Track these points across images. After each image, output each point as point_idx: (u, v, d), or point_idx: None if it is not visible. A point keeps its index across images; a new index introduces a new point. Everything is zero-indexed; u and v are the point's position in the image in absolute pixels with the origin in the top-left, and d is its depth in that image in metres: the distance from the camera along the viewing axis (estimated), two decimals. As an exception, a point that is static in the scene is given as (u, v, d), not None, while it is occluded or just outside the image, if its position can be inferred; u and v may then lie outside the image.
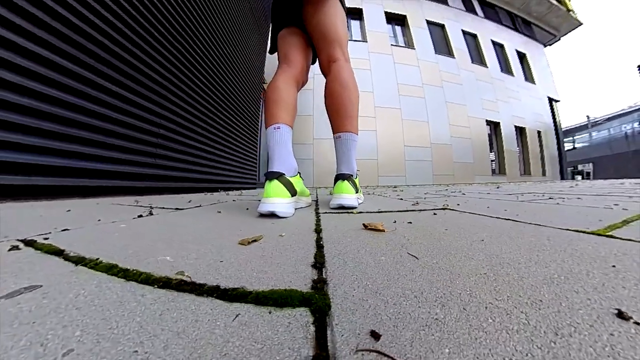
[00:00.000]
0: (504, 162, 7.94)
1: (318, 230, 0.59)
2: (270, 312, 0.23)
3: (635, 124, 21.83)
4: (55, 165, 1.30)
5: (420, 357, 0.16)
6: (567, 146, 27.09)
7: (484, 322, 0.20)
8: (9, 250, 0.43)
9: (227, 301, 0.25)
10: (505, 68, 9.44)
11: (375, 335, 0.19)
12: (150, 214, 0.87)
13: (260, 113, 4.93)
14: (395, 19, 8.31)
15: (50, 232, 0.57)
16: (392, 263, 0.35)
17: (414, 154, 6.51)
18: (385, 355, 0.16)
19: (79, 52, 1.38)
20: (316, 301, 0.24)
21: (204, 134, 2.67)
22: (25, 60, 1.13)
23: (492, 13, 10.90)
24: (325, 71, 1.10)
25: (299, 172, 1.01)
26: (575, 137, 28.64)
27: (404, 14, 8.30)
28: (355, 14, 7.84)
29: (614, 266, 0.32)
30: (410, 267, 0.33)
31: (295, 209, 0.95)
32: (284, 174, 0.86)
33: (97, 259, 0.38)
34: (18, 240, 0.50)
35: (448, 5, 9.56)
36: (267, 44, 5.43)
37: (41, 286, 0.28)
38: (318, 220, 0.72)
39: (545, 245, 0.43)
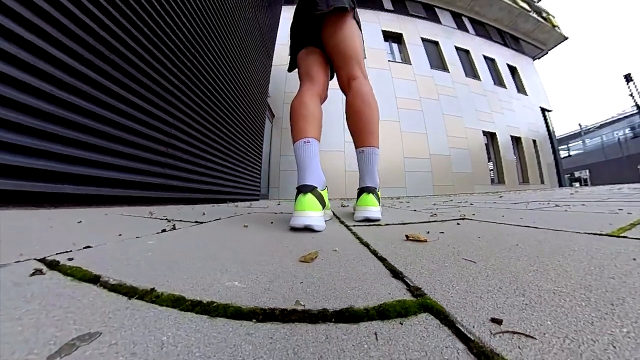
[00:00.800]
0: (502, 171, 8.07)
1: (364, 243, 0.59)
2: (401, 324, 0.24)
3: (627, 130, 22.30)
4: (57, 170, 1.24)
5: (535, 329, 0.21)
6: (563, 154, 27.42)
7: (560, 301, 0.26)
8: (32, 275, 0.35)
9: (352, 322, 0.24)
10: (498, 81, 9.77)
11: (496, 321, 0.22)
12: (174, 228, 0.83)
13: (264, 128, 5.07)
14: (392, 37, 8.71)
15: (70, 250, 0.50)
16: (457, 268, 0.38)
17: (414, 165, 6.61)
18: (519, 333, 0.21)
19: (98, 60, 1.42)
20: (432, 305, 0.26)
21: (212, 145, 2.75)
22: (42, 62, 1.15)
23: (482, 30, 11.41)
24: (345, 88, 1.14)
25: (326, 186, 1.04)
26: (569, 145, 29.09)
27: (400, 32, 8.72)
28: None
29: (634, 259, 0.39)
30: (475, 269, 0.38)
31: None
32: (316, 187, 0.88)
33: (152, 289, 0.31)
34: (37, 260, 0.43)
35: (441, 24, 10.04)
36: (271, 64, 5.69)
37: (100, 334, 0.22)
38: (354, 234, 0.74)
39: (571, 245, 0.49)
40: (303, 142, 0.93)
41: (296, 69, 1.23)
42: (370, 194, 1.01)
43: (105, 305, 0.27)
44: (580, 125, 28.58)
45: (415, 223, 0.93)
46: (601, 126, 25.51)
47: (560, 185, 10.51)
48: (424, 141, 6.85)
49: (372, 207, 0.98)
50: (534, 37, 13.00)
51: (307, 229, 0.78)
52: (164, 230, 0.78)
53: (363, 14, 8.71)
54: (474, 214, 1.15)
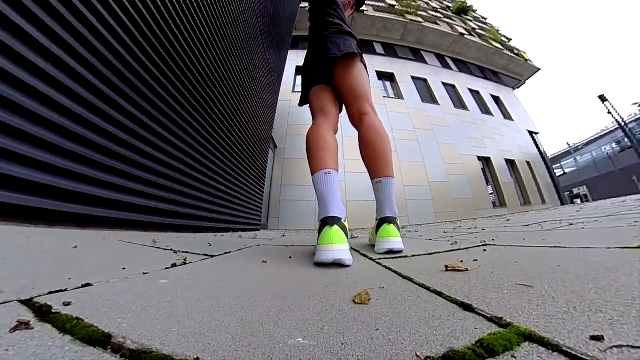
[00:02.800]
0: (502, 194, 8.01)
1: (406, 277, 0.55)
2: (514, 357, 0.22)
3: (613, 145, 22.63)
4: (51, 185, 1.08)
5: (637, 340, 0.21)
6: (557, 172, 27.38)
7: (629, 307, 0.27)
8: (12, 330, 0.25)
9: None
10: (485, 110, 10.25)
11: (597, 338, 0.22)
12: (185, 262, 0.75)
13: (267, 159, 5.18)
14: (385, 76, 9.42)
15: (66, 289, 0.39)
16: (519, 293, 0.37)
17: (415, 193, 6.56)
18: (628, 346, 0.21)
19: (115, 78, 1.42)
20: (530, 333, 0.25)
21: (219, 173, 2.74)
22: (57, 71, 1.11)
23: (465, 67, 12.35)
24: (356, 123, 1.18)
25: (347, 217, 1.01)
26: (562, 163, 29.24)
27: (392, 72, 9.46)
28: None
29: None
30: (537, 293, 0.36)
31: None
32: (341, 219, 0.84)
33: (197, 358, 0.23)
34: (21, 302, 0.31)
35: (427, 64, 10.93)
36: (277, 101, 6.05)
37: None
38: (387, 267, 0.67)
39: (608, 260, 0.48)
40: (324, 173, 0.91)
41: (307, 105, 1.30)
42: (392, 225, 0.96)
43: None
44: (568, 144, 29.10)
45: (441, 252, 0.87)
46: (588, 143, 25.96)
47: (562, 203, 10.32)
48: (422, 169, 6.93)
49: (394, 238, 0.93)
50: (511, 70, 14.01)
51: (336, 264, 0.71)
52: (174, 265, 0.68)
53: (356, 59, 9.56)
54: (493, 240, 1.10)
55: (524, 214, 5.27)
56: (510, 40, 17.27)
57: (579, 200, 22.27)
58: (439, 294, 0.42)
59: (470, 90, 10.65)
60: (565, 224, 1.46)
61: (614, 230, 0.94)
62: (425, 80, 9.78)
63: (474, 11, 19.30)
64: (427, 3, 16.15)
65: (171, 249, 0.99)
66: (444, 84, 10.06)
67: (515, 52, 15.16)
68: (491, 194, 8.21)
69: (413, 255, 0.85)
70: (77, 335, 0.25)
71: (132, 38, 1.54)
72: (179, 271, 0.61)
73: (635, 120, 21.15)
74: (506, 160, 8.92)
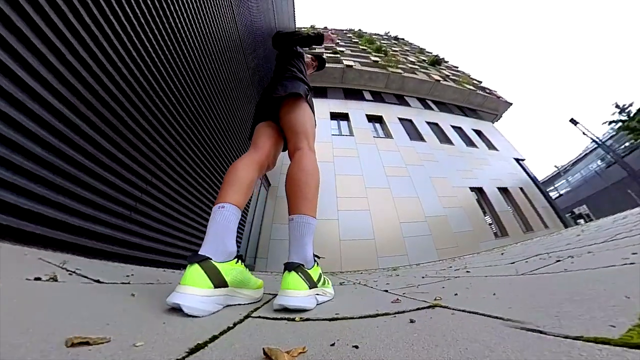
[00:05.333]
0: (502, 224, 7.46)
1: (193, 350, 0.34)
2: None
3: (599, 162, 22.12)
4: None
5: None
6: (553, 194, 26.36)
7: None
8: None
9: None
10: (469, 143, 10.29)
11: None
12: (54, 279, 0.63)
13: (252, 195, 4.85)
14: (374, 119, 9.78)
15: None
16: None
17: (411, 229, 6.02)
18: None
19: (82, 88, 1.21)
20: None
21: (186, 206, 2.26)
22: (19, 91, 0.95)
23: (445, 107, 12.89)
24: (291, 158, 1.10)
25: (239, 257, 0.75)
26: (556, 186, 28.30)
27: (380, 114, 9.86)
28: (343, 117, 9.36)
29: None
30: None
31: (229, 305, 0.67)
32: (209, 259, 0.64)
33: None
34: None
35: (410, 106, 11.46)
36: None
37: None
38: (223, 332, 0.44)
39: None
40: (218, 207, 0.76)
41: None
42: (293, 272, 0.70)
43: None
44: (556, 166, 28.62)
45: (354, 318, 0.55)
46: (575, 163, 25.49)
47: (565, 226, 9.55)
48: (417, 204, 6.53)
49: (293, 292, 0.67)
50: (486, 106, 14.56)
51: (182, 311, 0.53)
52: (37, 279, 0.58)
53: (350, 104, 10.12)
54: (456, 294, 0.75)
55: (526, 242, 4.75)
56: (481, 82, 18.39)
57: (582, 221, 20.88)
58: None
59: (453, 127, 10.87)
60: (552, 260, 1.14)
61: (601, 276, 0.66)
62: (410, 121, 10.09)
63: (446, 62, 21.06)
64: (405, 58, 17.78)
65: (65, 268, 0.81)
66: (427, 122, 10.33)
67: (488, 91, 15.98)
68: (490, 224, 7.68)
69: (306, 319, 0.55)
70: None
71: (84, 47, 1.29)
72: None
73: (610, 137, 21.05)
74: (498, 188, 8.57)
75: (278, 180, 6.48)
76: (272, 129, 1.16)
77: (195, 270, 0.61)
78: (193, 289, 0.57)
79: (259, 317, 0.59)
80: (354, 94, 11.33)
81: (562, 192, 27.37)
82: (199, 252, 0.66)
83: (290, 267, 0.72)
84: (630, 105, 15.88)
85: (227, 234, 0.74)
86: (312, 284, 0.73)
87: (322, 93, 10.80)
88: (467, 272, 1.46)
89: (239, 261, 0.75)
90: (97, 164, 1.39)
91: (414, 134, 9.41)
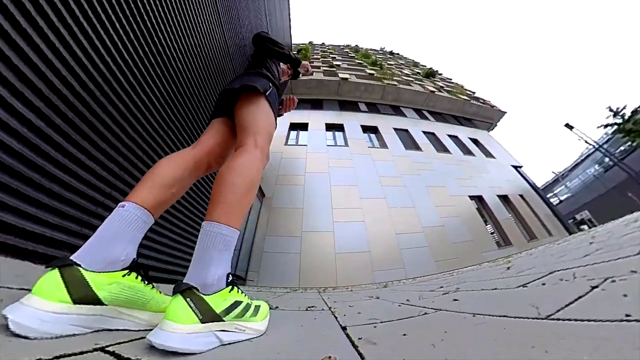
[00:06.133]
0: (504, 232, 7.07)
1: None
2: None
3: (596, 167, 21.67)
4: None
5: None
6: (553, 201, 25.71)
7: None
8: None
9: None
10: (466, 151, 10.05)
11: None
12: None
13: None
14: (369, 129, 9.65)
15: None
16: None
17: (408, 241, 5.62)
18: None
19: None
20: None
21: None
22: None
23: (440, 117, 12.79)
24: None
25: (137, 269, 0.59)
26: (555, 192, 27.67)
27: (375, 125, 9.73)
28: (338, 128, 9.24)
29: None
30: None
31: (105, 329, 0.49)
32: (76, 265, 0.47)
33: None
34: None
35: (406, 117, 11.36)
36: None
37: None
38: None
39: None
40: (119, 206, 0.62)
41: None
42: (179, 297, 0.48)
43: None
44: (554, 172, 28.13)
45: None
46: (572, 169, 25.04)
47: (569, 232, 9.08)
48: (413, 215, 6.20)
49: (172, 325, 0.44)
50: (481, 116, 14.46)
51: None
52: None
53: (345, 115, 10.05)
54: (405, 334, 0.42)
55: (531, 251, 4.35)
56: (474, 93, 18.44)
57: (585, 227, 20.12)
58: None
59: (449, 136, 10.70)
60: (583, 284, 0.77)
61: None
62: (406, 131, 9.94)
63: (440, 74, 21.29)
64: (400, 71, 17.98)
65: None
66: (424, 132, 10.18)
67: (481, 101, 15.96)
68: (492, 233, 7.29)
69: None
70: None
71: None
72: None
73: (607, 142, 20.73)
74: (498, 196, 8.24)
75: (273, 191, 6.27)
76: (224, 125, 1.03)
77: (50, 278, 0.44)
78: (41, 302, 0.41)
79: (113, 353, 0.40)
80: (349, 106, 11.31)
81: (562, 198, 26.71)
82: (71, 257, 0.49)
83: (181, 289, 0.50)
84: (624, 108, 15.67)
85: (118, 239, 0.56)
86: (210, 317, 0.51)
87: (318, 105, 10.78)
88: (455, 300, 1.03)
89: (137, 275, 0.58)
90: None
91: (410, 144, 9.23)
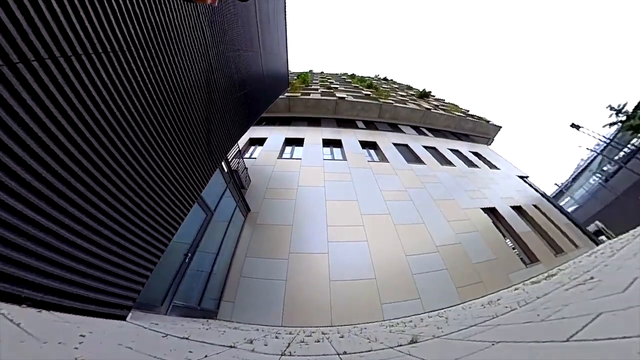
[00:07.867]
0: (527, 248, 6.03)
1: None
2: None
3: (597, 175, 20.36)
4: None
5: None
6: (562, 213, 23.98)
7: None
8: None
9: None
10: (470, 164, 9.36)
11: None
12: None
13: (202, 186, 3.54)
14: (368, 145, 9.16)
15: None
16: None
17: (421, 264, 4.41)
18: None
19: None
20: None
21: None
22: None
23: (439, 134, 12.38)
24: None
25: None
26: (562, 204, 26.04)
27: (374, 140, 9.25)
28: (336, 144, 8.76)
29: None
30: None
31: None
32: None
33: None
34: None
35: (405, 133, 10.95)
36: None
37: None
38: None
39: None
40: None
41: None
42: None
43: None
44: (556, 184, 26.78)
45: None
46: (574, 179, 23.73)
47: (596, 243, 7.83)
48: (423, 231, 5.21)
49: None
50: (478, 131, 14.06)
51: None
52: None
53: (343, 132, 9.62)
54: None
55: (564, 271, 3.38)
56: (468, 111, 18.31)
57: (603, 237, 18.21)
58: None
59: (451, 150, 10.13)
60: None
61: None
62: (406, 145, 9.43)
63: (433, 96, 21.51)
64: (395, 92, 18.16)
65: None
66: (424, 146, 9.65)
67: (477, 117, 15.66)
68: (514, 249, 6.24)
69: None
70: None
71: None
72: None
73: (607, 144, 19.65)
74: (512, 207, 7.31)
75: (260, 205, 5.25)
76: None
77: None
78: None
79: None
80: (347, 124, 11.01)
81: (569, 209, 25.01)
82: None
83: None
84: (625, 105, 14.96)
85: None
86: None
87: (315, 123, 10.48)
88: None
89: None
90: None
91: (411, 157, 8.61)
